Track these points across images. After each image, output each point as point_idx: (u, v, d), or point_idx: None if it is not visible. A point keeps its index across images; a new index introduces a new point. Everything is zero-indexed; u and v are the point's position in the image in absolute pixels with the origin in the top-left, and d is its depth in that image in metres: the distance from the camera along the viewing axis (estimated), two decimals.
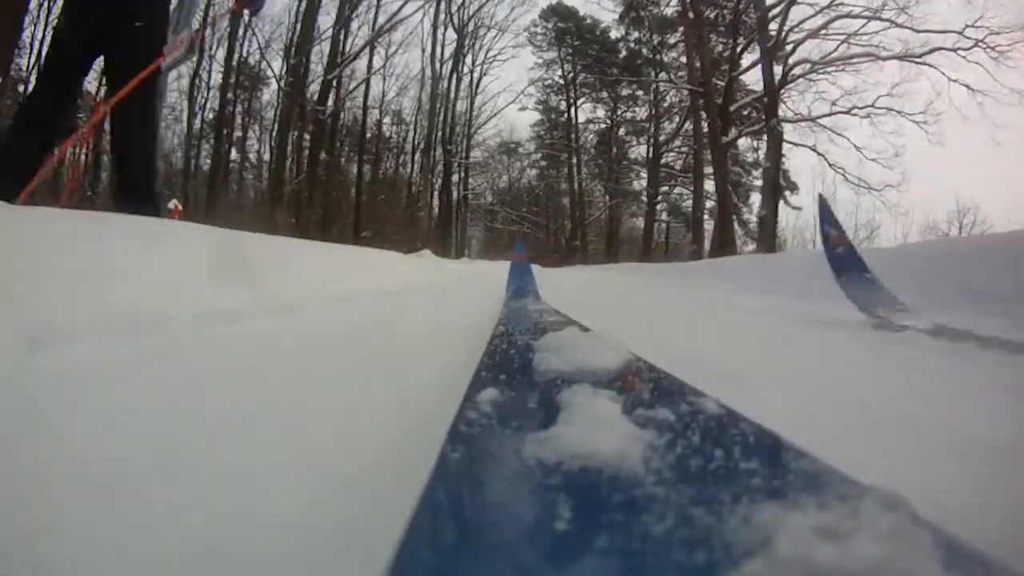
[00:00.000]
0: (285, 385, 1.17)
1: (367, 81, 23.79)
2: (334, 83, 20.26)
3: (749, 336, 2.33)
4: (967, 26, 18.33)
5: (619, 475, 0.46)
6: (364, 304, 2.96)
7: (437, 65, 25.21)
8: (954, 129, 25.54)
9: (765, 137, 20.56)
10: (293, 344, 1.65)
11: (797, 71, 21.01)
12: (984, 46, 18.06)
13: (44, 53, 3.92)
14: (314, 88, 19.13)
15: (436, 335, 2.11)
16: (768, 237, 18.67)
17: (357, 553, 0.54)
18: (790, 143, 20.98)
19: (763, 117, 22.76)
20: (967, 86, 18.71)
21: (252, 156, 23.52)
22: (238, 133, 22.23)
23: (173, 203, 11.82)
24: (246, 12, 3.77)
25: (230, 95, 20.10)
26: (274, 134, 14.81)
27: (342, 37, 20.42)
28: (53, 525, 0.58)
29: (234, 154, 22.18)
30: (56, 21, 3.50)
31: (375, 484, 0.71)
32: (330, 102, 20.33)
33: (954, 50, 18.63)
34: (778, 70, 20.17)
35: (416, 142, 26.39)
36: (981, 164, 32.00)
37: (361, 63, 22.97)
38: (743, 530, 0.36)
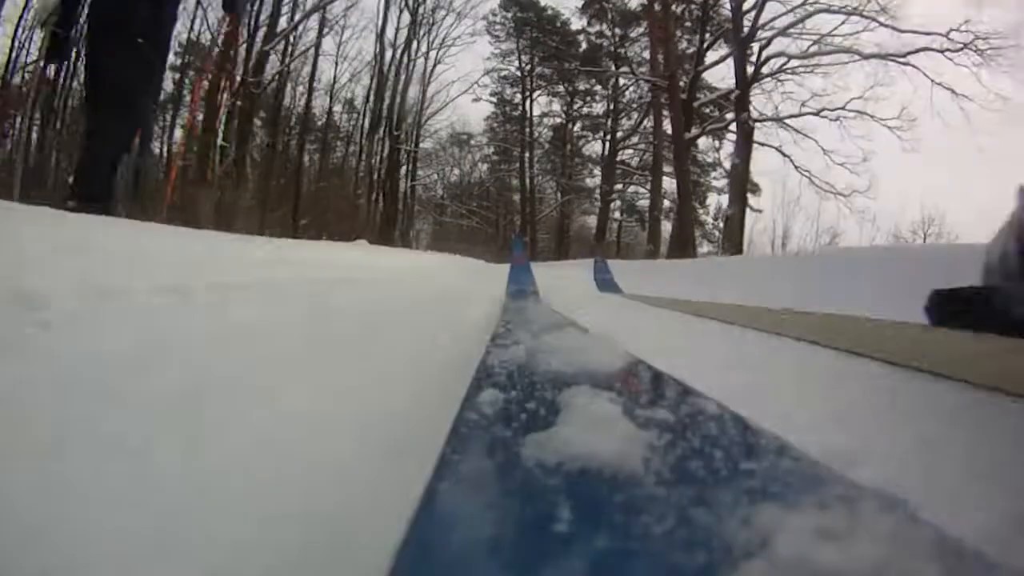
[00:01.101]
0: (282, 384, 1.10)
1: (315, 61, 22.25)
2: (278, 60, 18.45)
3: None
4: (951, 29, 17.41)
5: (619, 476, 0.46)
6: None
7: (388, 46, 23.58)
8: (932, 135, 24.37)
9: (730, 135, 19.94)
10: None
11: (768, 68, 19.91)
12: (974, 48, 17.09)
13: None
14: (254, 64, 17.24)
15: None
16: (735, 236, 17.56)
17: (357, 554, 0.55)
18: (756, 143, 19.83)
19: (725, 116, 21.99)
20: (951, 89, 17.71)
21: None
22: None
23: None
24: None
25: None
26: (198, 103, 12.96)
27: (289, 10, 18.87)
28: (38, 521, 0.57)
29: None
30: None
31: (375, 485, 0.72)
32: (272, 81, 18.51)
33: (942, 51, 17.68)
34: (749, 67, 19.02)
35: (365, 129, 24.83)
36: (956, 171, 31.16)
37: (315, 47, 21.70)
38: (743, 531, 0.36)
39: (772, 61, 19.73)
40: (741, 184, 17.90)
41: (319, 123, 24.75)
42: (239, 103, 16.24)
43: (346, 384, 1.17)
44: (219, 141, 13.24)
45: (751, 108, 19.07)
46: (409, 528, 0.37)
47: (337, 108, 25.26)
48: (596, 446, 0.49)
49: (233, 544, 0.57)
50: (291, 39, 20.16)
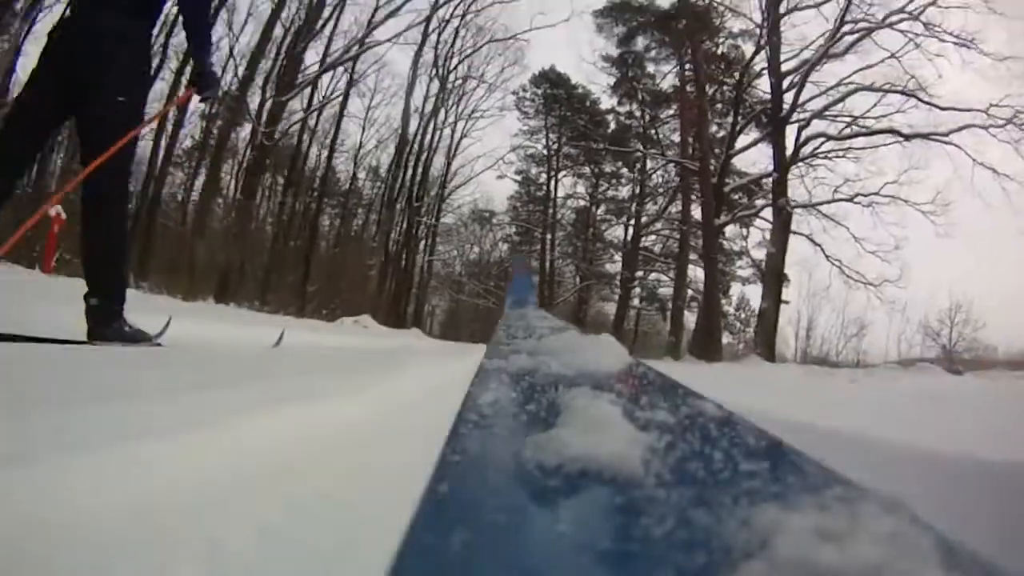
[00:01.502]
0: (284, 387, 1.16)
1: (338, 121, 21.57)
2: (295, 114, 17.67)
3: None
4: (992, 105, 16.77)
5: (619, 477, 0.45)
6: None
7: (413, 112, 22.93)
8: (966, 219, 23.26)
9: (760, 221, 19.11)
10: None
11: (807, 150, 19.05)
12: (1018, 123, 16.42)
13: (16, 97, 3.52)
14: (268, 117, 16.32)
15: None
16: (768, 333, 16.26)
17: (357, 555, 0.56)
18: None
19: (755, 203, 20.97)
20: (993, 169, 17.00)
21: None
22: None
23: (56, 210, 10.15)
24: (195, 98, 3.52)
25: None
26: (206, 152, 12.08)
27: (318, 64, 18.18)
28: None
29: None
30: (32, 71, 3.20)
31: (374, 487, 0.73)
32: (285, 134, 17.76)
33: (986, 127, 16.96)
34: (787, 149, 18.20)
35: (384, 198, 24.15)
36: (986, 255, 31.01)
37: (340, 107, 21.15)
38: (743, 532, 0.35)
39: (810, 143, 18.98)
40: (776, 275, 16.81)
41: (342, 188, 24.22)
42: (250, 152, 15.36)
43: None
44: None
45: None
46: (409, 528, 0.36)
47: (361, 175, 24.77)
48: (596, 447, 0.47)
49: (235, 543, 0.56)
50: (315, 97, 19.62)
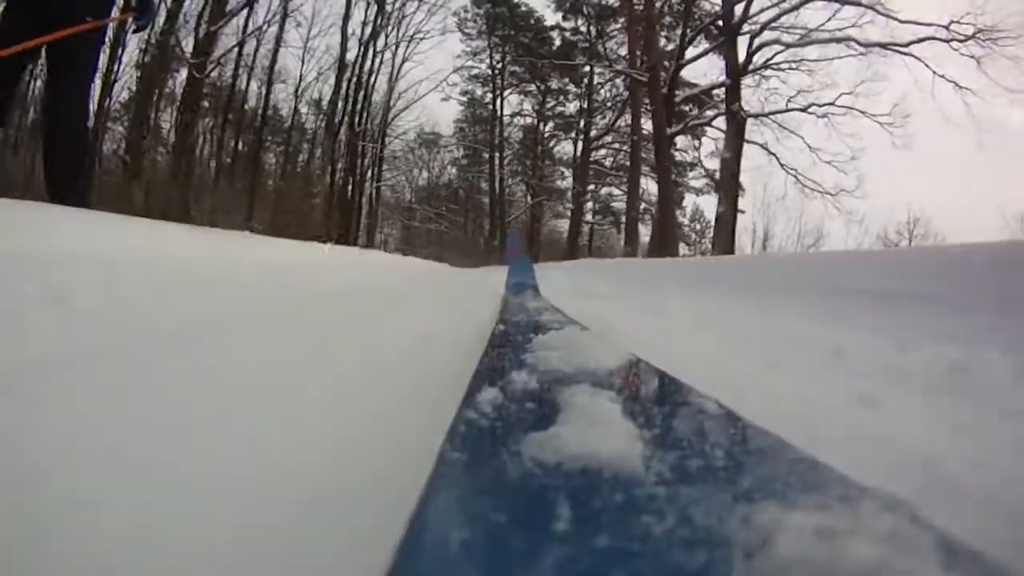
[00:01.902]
0: (278, 381, 1.12)
1: (274, 53, 20.49)
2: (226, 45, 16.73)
3: None
4: (952, 21, 16.16)
5: (619, 475, 0.46)
6: None
7: (351, 37, 21.88)
8: (924, 135, 23.03)
9: (712, 131, 19.10)
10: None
11: (760, 58, 18.47)
12: (979, 40, 15.79)
13: None
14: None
15: None
16: (725, 237, 15.95)
17: (356, 554, 0.54)
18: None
19: (704, 114, 20.73)
20: (954, 82, 16.51)
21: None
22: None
23: None
24: (131, 23, 3.84)
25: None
26: (133, 88, 11.30)
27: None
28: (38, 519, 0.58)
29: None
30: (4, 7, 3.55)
31: (374, 485, 0.71)
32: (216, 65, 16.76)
33: (948, 40, 16.36)
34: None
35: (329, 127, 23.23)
36: (946, 172, 30.91)
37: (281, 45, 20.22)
38: (743, 530, 0.36)
39: (764, 51, 18.37)
40: (732, 180, 16.42)
41: (285, 124, 23.37)
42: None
43: None
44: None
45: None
46: (409, 528, 0.37)
47: (304, 109, 23.82)
48: (596, 445, 0.49)
49: (231, 543, 0.56)
50: (247, 27, 18.57)
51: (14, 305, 1.30)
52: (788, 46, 18.03)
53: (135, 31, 4.92)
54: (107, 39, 3.66)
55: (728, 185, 16.40)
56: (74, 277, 1.55)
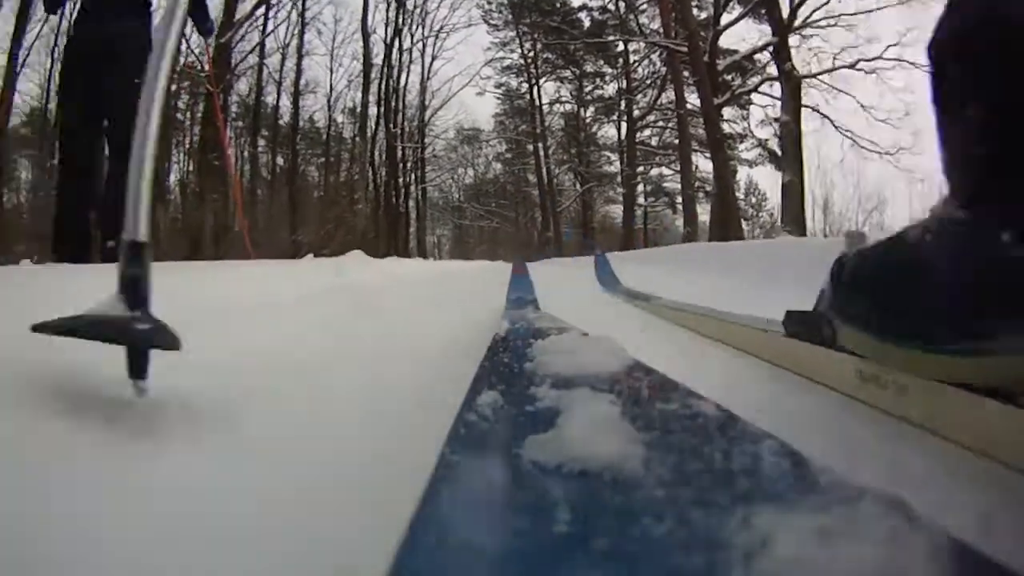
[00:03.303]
0: (275, 382, 1.11)
1: (298, 62, 19.91)
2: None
3: None
4: None
5: (620, 478, 0.45)
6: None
7: (371, 35, 21.32)
8: None
9: (759, 99, 17.86)
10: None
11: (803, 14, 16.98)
12: None
13: (60, 146, 4.10)
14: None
15: None
16: (795, 208, 14.26)
17: (355, 558, 0.52)
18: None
19: (747, 82, 19.34)
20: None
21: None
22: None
23: None
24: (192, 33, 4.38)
25: None
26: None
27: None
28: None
29: None
30: (61, 108, 3.96)
31: (374, 488, 0.69)
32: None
33: None
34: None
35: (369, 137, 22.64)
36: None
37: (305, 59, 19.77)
38: (743, 532, 0.35)
39: (808, 2, 16.86)
40: (796, 144, 14.66)
41: (323, 136, 22.90)
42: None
43: None
44: None
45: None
46: (409, 528, 0.37)
47: (340, 118, 23.39)
48: (597, 448, 0.48)
49: (231, 543, 0.56)
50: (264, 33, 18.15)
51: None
52: None
53: (206, 34, 4.75)
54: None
55: (792, 150, 14.74)
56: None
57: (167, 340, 0.99)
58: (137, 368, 0.99)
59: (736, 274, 3.94)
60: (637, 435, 0.51)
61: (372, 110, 21.86)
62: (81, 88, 3.43)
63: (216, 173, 14.10)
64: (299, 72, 20.30)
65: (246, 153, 20.09)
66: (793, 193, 14.13)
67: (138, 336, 0.95)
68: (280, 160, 21.15)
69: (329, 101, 22.35)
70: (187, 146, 17.59)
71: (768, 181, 28.36)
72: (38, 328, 0.91)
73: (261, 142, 20.97)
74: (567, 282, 4.48)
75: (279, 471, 0.79)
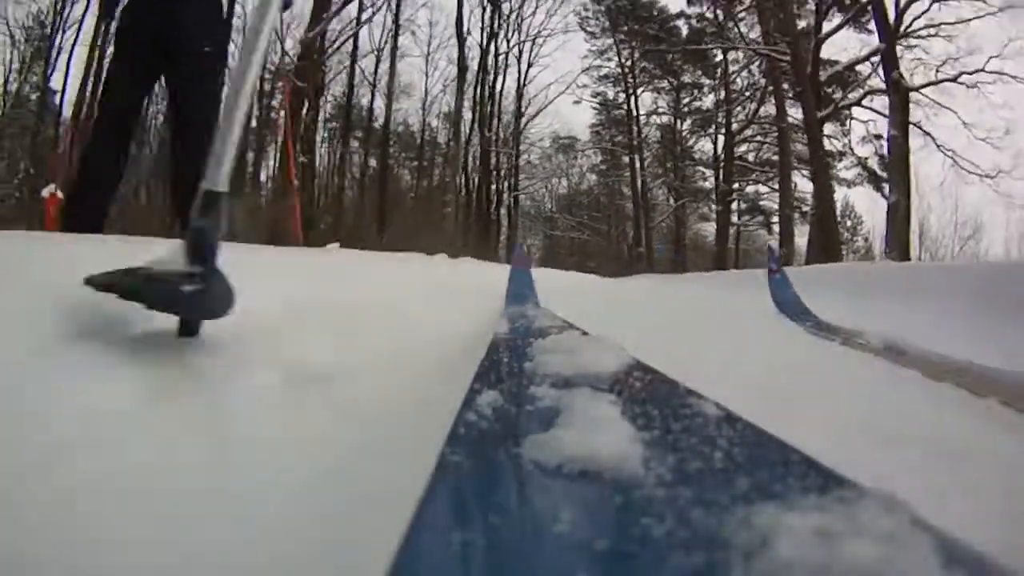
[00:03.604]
0: (279, 383, 1.06)
1: (392, 64, 20.01)
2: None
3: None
4: None
5: (619, 478, 0.46)
6: None
7: (466, 37, 20.86)
8: None
9: (861, 114, 17.12)
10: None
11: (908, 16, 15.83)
12: None
13: (100, 95, 3.66)
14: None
15: None
16: (900, 232, 13.09)
17: (356, 558, 0.54)
18: (886, 116, 15.68)
19: (848, 95, 18.71)
20: None
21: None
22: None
23: (49, 189, 8.64)
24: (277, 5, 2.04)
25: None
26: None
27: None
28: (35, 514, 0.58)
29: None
30: (109, 62, 3.46)
31: (374, 487, 0.70)
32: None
33: None
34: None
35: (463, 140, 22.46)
36: None
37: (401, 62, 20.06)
38: (743, 532, 0.36)
39: (913, 8, 15.73)
40: (904, 161, 13.49)
41: (418, 140, 23.27)
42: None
43: None
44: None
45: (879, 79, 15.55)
46: (409, 528, 0.37)
47: (435, 123, 23.67)
48: (595, 448, 0.49)
49: (230, 548, 0.55)
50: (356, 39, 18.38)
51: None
52: None
53: (284, 10, 4.31)
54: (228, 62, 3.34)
55: (900, 168, 13.52)
56: None
57: (216, 306, 0.98)
58: (187, 329, 1.02)
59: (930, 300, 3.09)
60: (637, 435, 0.52)
61: (467, 115, 21.81)
62: (136, 46, 3.19)
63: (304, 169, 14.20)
64: (392, 73, 20.37)
65: (338, 153, 20.31)
66: (898, 215, 13.03)
67: (183, 302, 0.94)
68: (373, 162, 21.25)
69: (424, 105, 22.55)
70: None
71: (864, 203, 27.20)
72: (87, 281, 0.92)
73: (355, 143, 21.26)
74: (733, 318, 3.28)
75: None
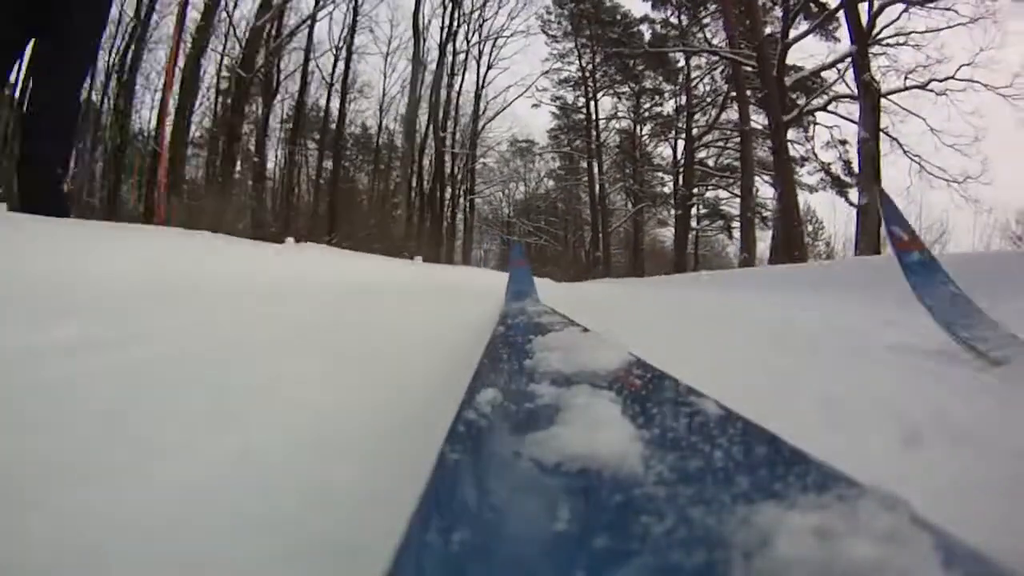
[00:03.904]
0: (277, 381, 1.10)
1: (347, 60, 19.07)
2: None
3: None
4: None
5: (619, 476, 0.45)
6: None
7: (421, 34, 20.23)
8: None
9: (824, 119, 16.75)
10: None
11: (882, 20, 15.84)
12: None
13: None
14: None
15: None
16: (871, 233, 12.96)
17: (355, 556, 0.54)
18: (852, 122, 16.23)
19: (812, 101, 18.71)
20: None
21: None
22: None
23: None
24: None
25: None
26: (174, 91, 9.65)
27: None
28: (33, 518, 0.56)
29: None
30: None
31: (373, 486, 0.69)
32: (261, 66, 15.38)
33: None
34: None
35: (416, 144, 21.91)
36: None
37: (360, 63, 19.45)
38: (742, 531, 0.36)
39: (887, 12, 15.71)
40: (873, 164, 13.30)
41: (373, 143, 22.58)
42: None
43: None
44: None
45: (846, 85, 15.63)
46: (409, 526, 0.37)
47: (392, 126, 22.83)
48: (595, 446, 0.48)
49: (231, 543, 0.55)
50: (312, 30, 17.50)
51: None
52: (911, 3, 15.55)
53: None
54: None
55: (870, 171, 13.34)
56: None
57: None
58: None
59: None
60: (637, 433, 0.51)
61: (423, 117, 21.28)
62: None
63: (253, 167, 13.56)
64: (347, 69, 19.59)
65: (287, 152, 19.64)
66: (869, 217, 12.88)
67: None
68: (328, 164, 20.57)
69: (381, 106, 21.87)
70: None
71: (825, 209, 27.20)
72: None
73: (312, 144, 20.57)
74: None
75: None
